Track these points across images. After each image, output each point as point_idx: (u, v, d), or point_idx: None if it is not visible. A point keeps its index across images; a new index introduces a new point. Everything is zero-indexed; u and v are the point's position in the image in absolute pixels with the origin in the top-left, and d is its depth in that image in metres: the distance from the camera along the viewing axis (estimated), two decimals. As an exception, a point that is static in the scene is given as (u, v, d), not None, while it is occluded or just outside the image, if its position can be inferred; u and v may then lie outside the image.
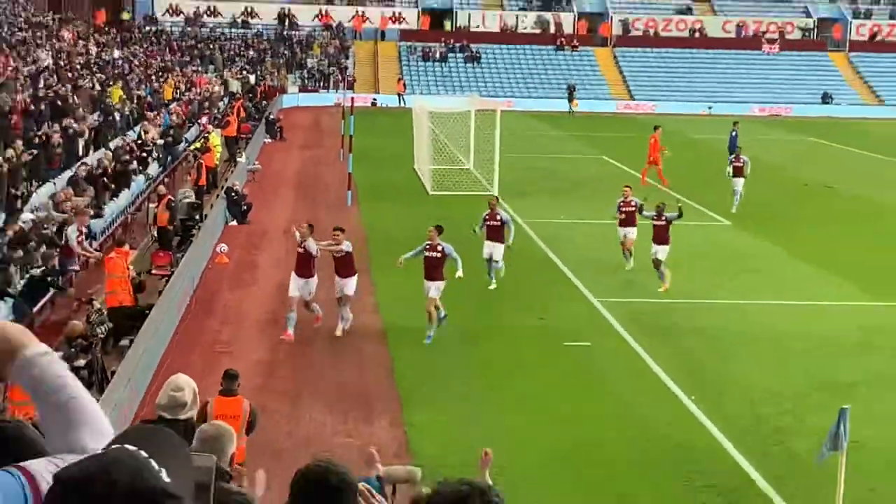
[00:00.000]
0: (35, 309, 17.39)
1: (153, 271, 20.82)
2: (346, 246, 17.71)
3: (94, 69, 44.63)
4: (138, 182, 28.60)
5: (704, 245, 25.95)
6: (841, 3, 74.97)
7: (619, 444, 13.66)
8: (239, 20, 69.87)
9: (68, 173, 25.77)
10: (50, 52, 43.52)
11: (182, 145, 36.19)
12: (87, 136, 29.70)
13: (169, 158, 34.11)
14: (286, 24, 69.68)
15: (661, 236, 21.31)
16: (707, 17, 73.55)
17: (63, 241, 19.83)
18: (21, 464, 2.08)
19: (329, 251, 17.78)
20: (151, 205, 25.79)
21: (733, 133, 37.38)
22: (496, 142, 32.67)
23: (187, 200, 26.45)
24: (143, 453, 1.80)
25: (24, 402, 6.35)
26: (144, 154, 31.12)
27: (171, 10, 69.56)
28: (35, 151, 24.56)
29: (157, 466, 1.78)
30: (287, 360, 16.82)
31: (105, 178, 25.95)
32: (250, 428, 10.36)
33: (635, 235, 22.49)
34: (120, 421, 11.87)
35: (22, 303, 16.82)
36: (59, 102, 32.24)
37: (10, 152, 23.08)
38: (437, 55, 68.27)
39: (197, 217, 25.54)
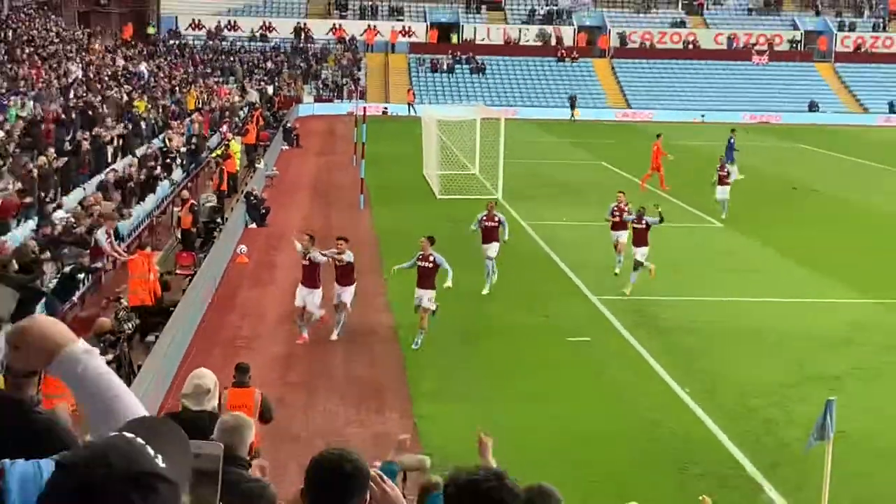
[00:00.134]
0: (66, 306, 17.43)
1: (178, 271, 20.95)
2: (349, 256, 17.44)
3: (122, 81, 44.74)
4: (163, 187, 28.65)
5: (698, 246, 25.90)
6: (827, 16, 74.83)
7: (618, 435, 13.62)
8: (258, 34, 69.97)
9: (98, 178, 25.83)
10: (80, 65, 43.58)
11: (204, 153, 36.24)
12: (115, 143, 29.78)
13: (192, 165, 34.17)
14: (302, 37, 69.77)
15: (640, 239, 21.03)
16: (700, 30, 73.46)
17: (93, 244, 19.88)
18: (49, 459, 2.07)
19: (332, 260, 17.54)
20: (176, 208, 25.85)
21: (731, 140, 37.27)
22: (500, 148, 32.65)
23: (209, 204, 26.52)
24: (140, 440, 1.81)
25: (57, 395, 6.31)
26: (169, 161, 31.19)
27: (193, 25, 69.72)
28: (66, 158, 24.63)
29: (153, 452, 1.79)
30: (303, 355, 16.82)
31: (132, 184, 26.01)
32: (263, 416, 10.38)
33: (626, 239, 22.36)
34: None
35: (53, 300, 16.84)
36: (90, 112, 32.32)
37: (42, 160, 23.16)
38: (445, 66, 68.31)
39: (218, 220, 25.58)
